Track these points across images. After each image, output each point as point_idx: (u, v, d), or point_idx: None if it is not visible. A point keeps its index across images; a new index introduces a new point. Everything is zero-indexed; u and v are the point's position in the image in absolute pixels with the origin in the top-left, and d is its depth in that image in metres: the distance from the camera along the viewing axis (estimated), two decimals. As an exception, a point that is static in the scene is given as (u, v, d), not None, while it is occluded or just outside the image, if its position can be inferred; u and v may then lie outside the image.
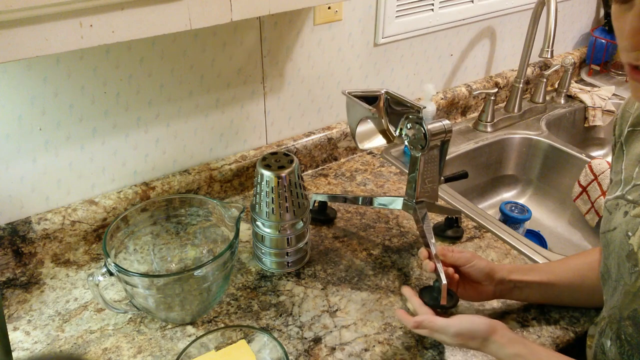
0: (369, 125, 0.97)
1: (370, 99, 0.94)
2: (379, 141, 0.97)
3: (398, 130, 0.92)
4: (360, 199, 1.04)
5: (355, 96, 0.94)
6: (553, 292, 0.84)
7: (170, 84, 1.00)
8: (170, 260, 0.94)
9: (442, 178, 0.97)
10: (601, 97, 1.56)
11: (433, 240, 0.85)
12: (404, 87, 1.35)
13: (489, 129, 1.41)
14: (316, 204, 1.07)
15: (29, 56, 0.60)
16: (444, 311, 0.80)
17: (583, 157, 1.32)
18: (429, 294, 0.81)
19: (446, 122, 0.88)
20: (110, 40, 0.64)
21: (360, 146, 0.98)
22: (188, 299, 0.81)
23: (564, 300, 0.86)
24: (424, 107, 0.86)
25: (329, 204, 1.09)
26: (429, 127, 0.86)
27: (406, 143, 0.91)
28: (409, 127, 0.89)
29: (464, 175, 1.03)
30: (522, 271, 0.83)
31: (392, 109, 0.94)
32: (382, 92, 0.94)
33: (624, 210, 0.67)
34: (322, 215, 1.07)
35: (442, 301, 0.78)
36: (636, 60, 0.53)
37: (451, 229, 1.03)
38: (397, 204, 0.97)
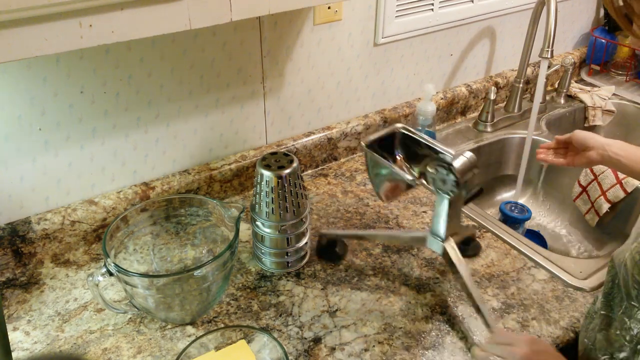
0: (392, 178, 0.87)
1: (387, 138, 0.86)
2: (404, 189, 0.88)
3: (418, 173, 0.84)
4: (380, 236, 0.95)
5: (374, 140, 0.84)
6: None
7: (170, 84, 1.00)
8: (170, 260, 0.94)
9: None
10: (601, 97, 1.56)
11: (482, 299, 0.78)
12: (404, 87, 1.35)
13: (489, 129, 1.41)
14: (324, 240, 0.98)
15: (29, 56, 0.60)
16: None
17: (583, 157, 1.32)
18: None
19: (469, 154, 0.78)
20: (110, 40, 0.64)
21: (387, 202, 0.89)
22: (188, 299, 0.81)
23: None
24: (453, 155, 0.77)
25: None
26: (458, 167, 0.76)
27: (432, 187, 0.83)
28: (431, 170, 0.81)
29: (480, 192, 0.91)
30: (614, 148, 0.91)
31: (408, 148, 0.86)
32: (399, 128, 0.86)
33: None
34: (331, 253, 0.97)
35: None
36: None
37: (468, 245, 0.99)
38: (429, 242, 0.89)
